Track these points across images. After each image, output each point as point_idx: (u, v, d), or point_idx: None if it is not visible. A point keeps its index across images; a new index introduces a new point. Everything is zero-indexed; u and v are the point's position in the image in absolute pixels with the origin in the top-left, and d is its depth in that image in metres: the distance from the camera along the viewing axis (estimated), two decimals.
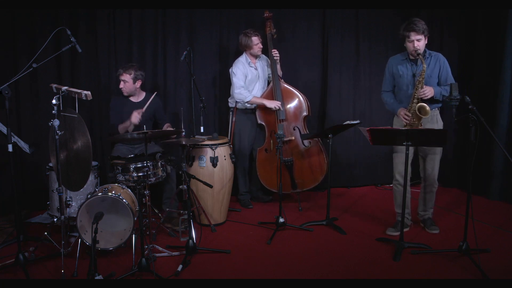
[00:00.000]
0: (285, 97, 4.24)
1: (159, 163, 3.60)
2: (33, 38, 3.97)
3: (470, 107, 2.87)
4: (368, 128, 3.10)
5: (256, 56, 4.24)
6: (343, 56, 4.85)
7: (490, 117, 4.27)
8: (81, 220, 3.02)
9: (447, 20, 4.84)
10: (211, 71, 4.54)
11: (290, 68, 4.48)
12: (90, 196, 3.09)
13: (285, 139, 4.18)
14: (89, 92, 3.26)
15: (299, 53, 4.73)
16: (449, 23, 4.84)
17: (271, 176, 4.25)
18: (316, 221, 3.82)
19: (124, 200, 3.05)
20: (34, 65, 2.81)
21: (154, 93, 3.80)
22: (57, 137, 2.78)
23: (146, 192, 3.16)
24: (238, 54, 4.31)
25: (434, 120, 3.47)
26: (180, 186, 3.50)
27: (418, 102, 3.28)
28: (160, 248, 3.22)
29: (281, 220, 3.62)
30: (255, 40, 4.11)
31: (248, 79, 4.19)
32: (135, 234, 3.12)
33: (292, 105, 4.26)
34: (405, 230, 3.39)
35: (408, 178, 3.54)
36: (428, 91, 3.27)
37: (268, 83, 4.35)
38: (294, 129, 4.25)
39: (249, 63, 4.19)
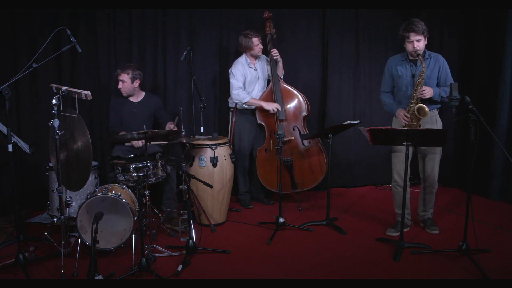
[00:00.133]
0: (284, 97, 4.24)
1: (159, 163, 3.60)
2: (33, 38, 3.97)
3: (470, 107, 2.87)
4: (368, 128, 3.10)
5: (256, 57, 4.24)
6: (343, 56, 4.85)
7: (490, 117, 4.27)
8: (81, 220, 3.02)
9: (447, 20, 4.84)
10: (211, 71, 4.54)
11: (290, 68, 4.48)
12: (90, 196, 3.09)
13: (285, 139, 4.18)
14: (89, 92, 3.26)
15: (299, 53, 4.73)
16: (449, 23, 4.84)
17: (271, 176, 4.25)
18: (316, 221, 3.82)
19: (124, 200, 3.05)
20: (34, 65, 2.81)
21: (154, 93, 3.80)
22: (57, 137, 2.78)
23: (146, 192, 3.16)
24: (238, 54, 4.31)
25: (433, 121, 3.46)
26: (180, 186, 3.49)
27: (417, 103, 3.28)
28: (160, 248, 3.22)
29: (281, 220, 3.62)
30: (256, 41, 4.11)
31: (248, 80, 4.18)
32: (135, 234, 3.12)
33: (291, 105, 4.26)
34: (405, 230, 3.39)
35: (407, 178, 3.55)
36: (427, 91, 3.27)
37: (268, 83, 4.35)
38: (294, 129, 4.25)
39: (248, 64, 4.19)
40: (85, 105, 4.02)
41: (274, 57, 4.20)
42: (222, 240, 3.51)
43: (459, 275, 2.84)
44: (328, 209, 3.79)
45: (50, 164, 3.39)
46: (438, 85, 3.42)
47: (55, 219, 3.30)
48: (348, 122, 3.73)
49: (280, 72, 4.31)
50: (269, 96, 4.24)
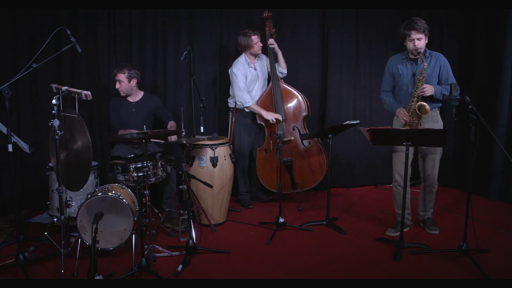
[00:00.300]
0: (284, 97, 4.24)
1: (159, 163, 3.60)
2: (33, 38, 3.97)
3: (470, 107, 2.87)
4: (368, 128, 3.10)
5: (255, 56, 4.24)
6: (343, 56, 4.85)
7: (490, 117, 4.27)
8: (81, 220, 3.02)
9: (447, 20, 4.83)
10: (211, 71, 4.54)
11: (290, 68, 4.47)
12: (90, 196, 3.09)
13: (285, 139, 4.18)
14: (89, 92, 3.26)
15: (299, 53, 4.73)
16: (449, 23, 4.83)
17: (271, 176, 4.25)
18: (316, 221, 3.82)
19: (124, 200, 3.05)
20: (34, 65, 2.81)
21: (153, 93, 3.80)
22: (57, 137, 2.78)
23: (146, 192, 3.16)
24: (238, 54, 4.31)
25: (434, 120, 3.46)
26: (180, 186, 3.49)
27: (418, 101, 3.28)
28: (160, 248, 3.22)
29: (281, 220, 3.62)
30: (255, 39, 4.11)
31: (248, 79, 4.18)
32: (135, 234, 3.12)
33: (291, 105, 4.26)
34: (405, 230, 3.39)
35: (408, 178, 3.55)
36: (428, 89, 3.27)
37: (268, 82, 4.35)
38: (293, 129, 4.25)
39: (248, 63, 4.19)
40: (85, 105, 4.02)
41: (271, 46, 4.18)
42: (222, 240, 3.51)
43: (459, 275, 2.84)
44: (328, 209, 3.79)
45: (50, 164, 3.39)
46: (439, 84, 3.42)
47: (55, 219, 3.30)
48: (348, 122, 3.73)
49: (283, 64, 4.28)
50: (269, 96, 4.24)
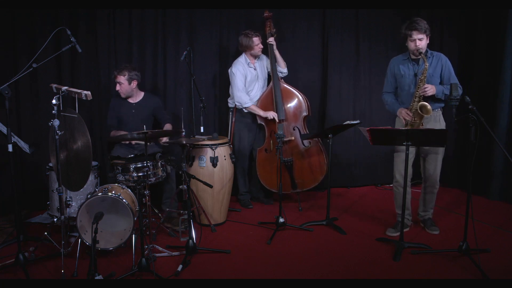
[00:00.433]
0: (284, 97, 4.24)
1: (159, 163, 3.61)
2: (33, 38, 3.97)
3: (470, 107, 2.87)
4: (368, 128, 3.10)
5: (255, 57, 4.24)
6: (343, 56, 4.85)
7: (490, 117, 4.27)
8: (81, 220, 3.02)
9: (447, 20, 4.84)
10: (211, 71, 4.54)
11: (290, 68, 4.47)
12: (90, 196, 3.09)
13: (285, 139, 4.18)
14: (89, 92, 3.26)
15: (299, 53, 4.73)
16: (449, 23, 4.84)
17: (271, 176, 4.25)
18: (316, 221, 3.82)
19: (124, 200, 3.05)
20: (34, 65, 2.81)
21: (154, 94, 3.80)
22: (57, 137, 2.78)
23: (146, 192, 3.16)
24: (238, 54, 4.31)
25: (436, 120, 3.45)
26: (180, 186, 3.49)
27: (419, 101, 3.28)
28: (160, 248, 3.22)
29: (281, 220, 3.62)
30: (256, 40, 4.11)
31: (248, 80, 4.18)
32: (135, 234, 3.12)
33: (291, 105, 4.26)
34: (405, 230, 3.39)
35: (409, 178, 3.55)
36: (430, 88, 3.27)
37: (268, 82, 4.35)
38: (294, 129, 4.25)
39: (248, 64, 4.19)
40: (85, 105, 4.02)
41: (270, 43, 4.18)
42: (222, 240, 3.51)
43: (459, 275, 2.84)
44: (328, 209, 3.79)
45: (50, 164, 3.39)
46: (441, 84, 3.42)
47: (55, 219, 3.30)
48: (348, 122, 3.73)
49: (282, 64, 4.28)
50: (269, 96, 4.24)
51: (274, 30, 4.27)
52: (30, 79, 4.02)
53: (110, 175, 3.58)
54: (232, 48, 4.53)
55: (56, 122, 2.76)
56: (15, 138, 3.23)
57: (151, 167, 3.50)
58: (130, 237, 3.09)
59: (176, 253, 3.19)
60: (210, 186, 3.47)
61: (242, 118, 4.27)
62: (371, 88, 4.95)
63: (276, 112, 4.15)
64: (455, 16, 4.77)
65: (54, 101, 2.80)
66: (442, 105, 3.47)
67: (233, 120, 4.29)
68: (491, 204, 4.32)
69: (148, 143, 3.61)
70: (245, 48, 4.16)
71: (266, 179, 4.30)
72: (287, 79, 4.40)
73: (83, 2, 3.87)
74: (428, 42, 3.35)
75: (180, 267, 2.93)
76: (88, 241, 2.96)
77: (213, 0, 4.19)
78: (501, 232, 3.57)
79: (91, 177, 3.39)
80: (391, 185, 3.67)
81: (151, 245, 3.16)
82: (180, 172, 3.36)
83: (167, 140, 3.77)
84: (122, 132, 3.71)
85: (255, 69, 4.24)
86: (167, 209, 3.67)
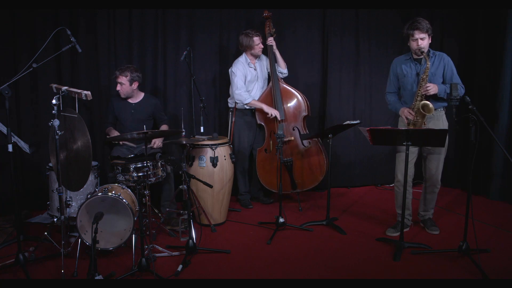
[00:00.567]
0: (284, 97, 4.24)
1: (159, 163, 3.60)
2: (33, 38, 3.97)
3: (470, 107, 2.87)
4: (368, 128, 3.10)
5: (256, 56, 4.24)
6: (343, 56, 4.85)
7: (490, 117, 4.27)
8: (81, 220, 3.02)
9: (447, 20, 4.84)
10: (211, 71, 4.54)
11: (290, 68, 4.48)
12: (90, 196, 3.09)
13: (285, 139, 4.18)
14: (89, 92, 3.27)
15: (299, 53, 4.73)
16: (449, 23, 4.84)
17: (270, 176, 4.25)
18: (316, 221, 3.82)
19: (124, 200, 3.05)
20: (34, 65, 2.82)
21: (154, 95, 3.80)
22: (57, 137, 2.78)
23: (146, 192, 3.16)
24: (238, 54, 4.31)
25: (439, 119, 3.45)
26: (180, 186, 3.49)
27: (421, 100, 3.28)
28: (160, 248, 3.22)
29: (281, 220, 3.62)
30: (257, 40, 4.11)
31: (248, 79, 4.18)
32: (135, 234, 3.12)
33: (291, 105, 4.26)
34: (405, 230, 3.39)
35: (411, 178, 3.55)
36: (432, 87, 3.27)
37: (268, 82, 4.35)
38: (293, 129, 4.25)
39: (248, 64, 4.19)
40: (85, 105, 4.02)
41: (270, 44, 4.18)
42: (222, 240, 3.51)
43: (459, 275, 2.84)
44: (328, 209, 3.79)
45: (50, 164, 3.39)
46: (444, 83, 3.41)
47: (55, 219, 3.30)
48: (348, 122, 3.73)
49: (282, 64, 4.28)
50: (269, 96, 4.24)
51: (274, 30, 4.27)
52: (30, 79, 4.02)
53: (110, 175, 3.58)
54: (232, 48, 4.53)
55: (56, 122, 2.76)
56: (15, 138, 3.23)
57: (151, 167, 3.50)
58: (130, 237, 3.09)
59: (176, 253, 3.19)
60: (210, 186, 3.47)
61: (242, 118, 4.27)
62: (371, 88, 4.95)
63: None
64: (455, 16, 4.77)
65: (54, 101, 2.80)
66: (445, 104, 3.46)
67: (233, 120, 4.29)
68: (491, 204, 4.32)
69: (143, 147, 3.64)
70: (246, 48, 4.16)
71: (266, 179, 4.30)
72: (287, 79, 4.40)
73: (83, 2, 3.86)
74: (430, 41, 3.35)
75: (180, 267, 2.93)
76: (88, 241, 2.96)
77: (213, 0, 4.19)
78: (501, 232, 3.57)
79: (91, 177, 3.39)
80: (391, 185, 3.68)
81: (151, 245, 3.16)
82: (180, 172, 3.36)
83: (160, 145, 3.79)
84: (117, 132, 3.72)
85: (255, 69, 4.24)
86: (167, 209, 3.67)
